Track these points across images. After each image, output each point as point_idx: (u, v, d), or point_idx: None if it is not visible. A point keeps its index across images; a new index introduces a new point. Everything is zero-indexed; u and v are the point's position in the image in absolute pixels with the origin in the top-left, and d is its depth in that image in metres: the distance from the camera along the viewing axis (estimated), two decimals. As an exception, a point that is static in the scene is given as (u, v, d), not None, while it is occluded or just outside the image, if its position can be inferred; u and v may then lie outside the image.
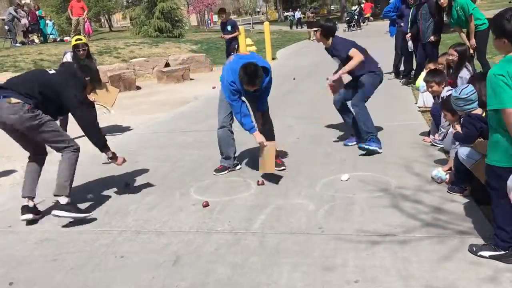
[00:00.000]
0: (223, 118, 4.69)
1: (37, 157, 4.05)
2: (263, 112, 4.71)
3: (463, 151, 3.57)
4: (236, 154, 4.90)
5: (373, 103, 7.54)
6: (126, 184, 4.58)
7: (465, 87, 3.64)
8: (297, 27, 35.42)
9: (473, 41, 6.97)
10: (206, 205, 3.94)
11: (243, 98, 4.50)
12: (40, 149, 4.03)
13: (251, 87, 4.26)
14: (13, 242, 3.58)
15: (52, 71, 4.01)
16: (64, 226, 3.77)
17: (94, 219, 3.85)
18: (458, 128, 3.75)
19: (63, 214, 3.74)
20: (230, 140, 4.77)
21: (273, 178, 4.46)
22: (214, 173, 4.76)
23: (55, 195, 3.83)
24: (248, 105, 4.54)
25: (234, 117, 4.59)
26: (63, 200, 3.78)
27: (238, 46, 11.61)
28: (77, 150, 3.94)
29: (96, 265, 3.13)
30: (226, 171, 4.78)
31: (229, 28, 11.09)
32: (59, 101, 3.87)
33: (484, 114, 3.58)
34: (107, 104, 6.85)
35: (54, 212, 3.75)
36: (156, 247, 3.33)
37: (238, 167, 4.88)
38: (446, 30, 9.08)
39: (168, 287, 2.79)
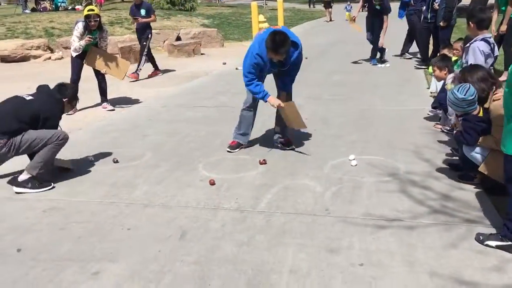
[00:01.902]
0: (253, 99, 4.62)
1: None
2: (287, 92, 4.62)
3: (470, 151, 3.51)
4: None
5: (385, 85, 7.50)
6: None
7: (468, 88, 3.50)
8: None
9: (504, 27, 6.81)
10: (212, 183, 3.95)
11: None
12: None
13: (274, 55, 4.17)
14: (21, 210, 3.61)
15: (29, 98, 3.99)
16: (72, 196, 3.81)
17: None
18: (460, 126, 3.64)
19: (19, 190, 3.90)
20: (252, 121, 4.80)
21: (280, 156, 4.46)
22: (228, 149, 4.75)
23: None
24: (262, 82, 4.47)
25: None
26: (23, 177, 3.91)
27: (151, 36, 9.46)
28: (62, 140, 4.00)
29: (103, 235, 3.16)
30: (238, 149, 4.77)
31: (143, 12, 9.08)
32: (41, 123, 3.96)
33: (481, 112, 3.53)
34: (118, 77, 6.85)
35: (14, 189, 3.91)
36: (162, 221, 3.35)
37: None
38: (463, 14, 8.97)
39: (173, 261, 2.82)
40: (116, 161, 4.55)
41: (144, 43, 9.22)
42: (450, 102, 3.61)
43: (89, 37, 6.35)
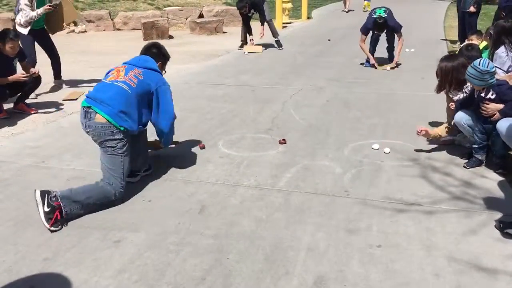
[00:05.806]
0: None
1: None
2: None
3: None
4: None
5: (409, 70, 7.39)
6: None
7: (484, 60, 3.55)
8: None
9: None
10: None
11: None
12: None
13: None
14: (46, 178, 3.69)
15: None
16: (95, 167, 3.87)
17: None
18: (494, 106, 3.56)
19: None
20: None
21: (300, 136, 4.46)
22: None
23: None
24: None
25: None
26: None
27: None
28: None
29: (124, 206, 3.22)
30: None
31: None
32: None
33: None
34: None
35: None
36: (182, 195, 3.39)
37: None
38: (491, 1, 8.78)
39: (193, 233, 2.87)
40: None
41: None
42: (472, 77, 3.59)
43: (49, 5, 5.71)
